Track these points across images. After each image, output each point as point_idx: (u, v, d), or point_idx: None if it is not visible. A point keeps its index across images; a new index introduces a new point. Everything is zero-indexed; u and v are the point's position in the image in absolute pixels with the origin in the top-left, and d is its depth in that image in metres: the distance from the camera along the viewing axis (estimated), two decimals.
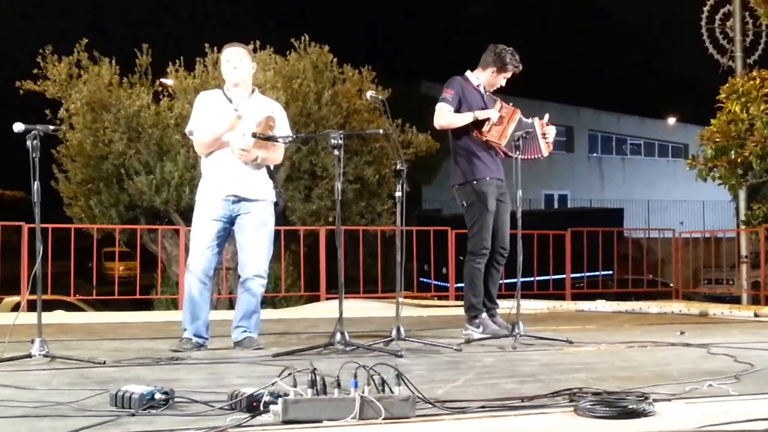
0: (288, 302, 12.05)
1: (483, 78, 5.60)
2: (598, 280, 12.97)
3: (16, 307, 10.80)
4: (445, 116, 5.47)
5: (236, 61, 4.75)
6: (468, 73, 5.64)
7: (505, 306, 5.66)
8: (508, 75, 5.65)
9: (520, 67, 5.64)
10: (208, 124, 4.69)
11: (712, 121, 10.83)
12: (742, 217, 12.56)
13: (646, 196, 32.26)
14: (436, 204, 27.23)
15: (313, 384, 2.54)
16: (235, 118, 4.60)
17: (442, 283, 12.59)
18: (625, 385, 3.22)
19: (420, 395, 2.68)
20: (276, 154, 4.81)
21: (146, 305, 12.23)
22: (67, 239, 9.88)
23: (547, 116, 5.64)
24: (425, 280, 13.69)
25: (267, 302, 11.52)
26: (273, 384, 2.60)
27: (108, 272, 18.61)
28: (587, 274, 12.54)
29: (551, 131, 5.59)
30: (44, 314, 7.70)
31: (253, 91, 4.87)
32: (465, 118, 5.45)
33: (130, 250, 14.84)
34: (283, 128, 4.81)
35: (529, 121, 5.56)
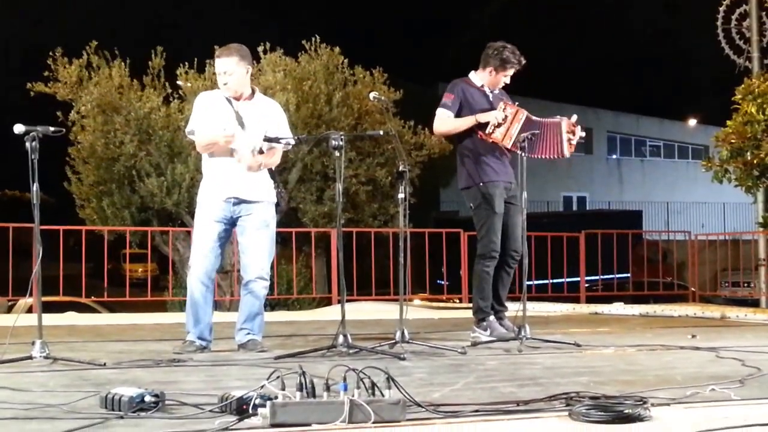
0: (301, 305, 12.01)
1: (484, 78, 5.42)
2: (614, 283, 12.82)
3: (30, 309, 10.88)
4: (444, 122, 5.37)
5: (225, 76, 4.60)
6: (471, 74, 5.47)
7: (515, 309, 5.59)
8: (510, 72, 5.42)
9: (522, 63, 5.39)
10: (208, 128, 4.64)
11: (728, 122, 10.72)
12: (760, 219, 12.39)
13: (665, 198, 31.95)
14: (455, 206, 27.10)
15: (301, 387, 2.51)
16: (230, 137, 4.55)
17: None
18: (626, 389, 3.16)
19: (411, 399, 2.64)
20: (275, 158, 4.78)
21: (162, 306, 12.26)
22: (89, 240, 9.89)
23: (575, 117, 5.31)
24: (441, 281, 13.63)
25: (280, 304, 11.52)
26: (262, 387, 2.57)
27: (126, 273, 18.81)
28: (602, 276, 12.40)
29: (578, 133, 5.27)
30: (55, 316, 7.84)
31: (253, 91, 4.79)
32: (466, 123, 5.32)
33: (146, 252, 14.86)
34: (283, 130, 4.77)
35: (542, 120, 5.26)
